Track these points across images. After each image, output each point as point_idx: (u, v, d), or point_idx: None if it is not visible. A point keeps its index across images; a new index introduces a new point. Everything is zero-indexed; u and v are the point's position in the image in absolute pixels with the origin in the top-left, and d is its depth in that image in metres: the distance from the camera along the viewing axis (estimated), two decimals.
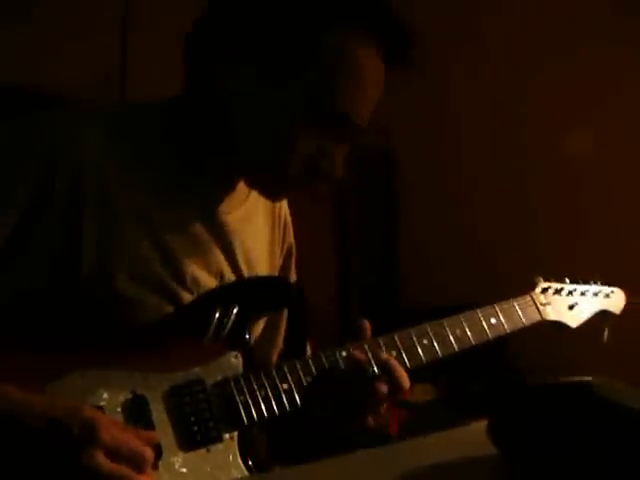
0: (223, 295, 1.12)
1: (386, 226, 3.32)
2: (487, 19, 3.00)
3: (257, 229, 1.23)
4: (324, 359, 1.11)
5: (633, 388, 0.76)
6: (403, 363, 1.14)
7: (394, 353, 1.15)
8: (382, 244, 3.31)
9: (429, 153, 3.18)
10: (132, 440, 0.91)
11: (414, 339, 1.17)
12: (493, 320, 1.26)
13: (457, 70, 3.05)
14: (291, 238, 1.32)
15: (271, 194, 1.15)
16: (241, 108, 1.06)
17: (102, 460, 0.86)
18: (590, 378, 0.77)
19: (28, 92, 2.30)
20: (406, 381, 1.11)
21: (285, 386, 1.07)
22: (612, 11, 2.58)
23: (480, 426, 0.81)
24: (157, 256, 1.06)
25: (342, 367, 1.10)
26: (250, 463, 1.04)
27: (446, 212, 3.12)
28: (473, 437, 0.84)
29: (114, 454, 0.88)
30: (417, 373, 1.20)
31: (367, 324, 1.16)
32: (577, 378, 0.78)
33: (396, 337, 1.16)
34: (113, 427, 0.90)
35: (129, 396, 1.00)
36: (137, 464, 0.90)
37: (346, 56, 1.03)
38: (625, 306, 1.51)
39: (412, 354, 1.16)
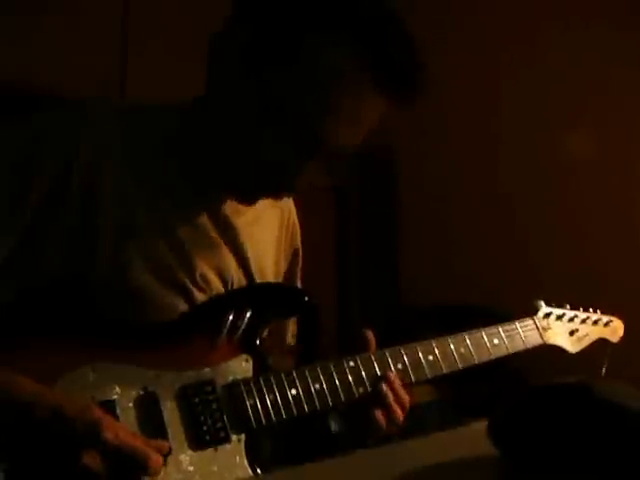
0: (237, 298, 1.14)
1: (387, 226, 3.32)
2: (487, 19, 3.00)
3: (265, 232, 1.24)
4: (332, 368, 1.12)
5: (633, 388, 0.76)
6: (408, 377, 1.18)
7: (400, 366, 1.17)
8: (382, 244, 3.31)
9: (430, 153, 3.18)
10: (137, 444, 0.92)
11: (420, 355, 1.20)
12: (496, 341, 1.30)
13: (458, 70, 3.05)
14: (298, 243, 1.33)
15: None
16: (221, 106, 1.05)
17: (93, 459, 0.88)
18: (590, 378, 0.77)
19: (28, 92, 2.30)
20: (400, 412, 1.15)
21: (293, 392, 1.08)
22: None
23: (480, 426, 0.81)
24: (171, 254, 1.07)
25: (352, 383, 1.13)
26: (255, 465, 1.06)
27: (446, 212, 3.12)
28: (473, 437, 0.83)
29: (114, 455, 0.89)
30: None
31: (371, 334, 1.18)
32: (577, 378, 0.78)
33: (402, 351, 1.19)
34: (120, 430, 0.92)
35: (141, 392, 1.01)
36: (139, 467, 0.91)
37: (322, 67, 0.98)
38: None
39: (417, 369, 1.19)
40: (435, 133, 3.15)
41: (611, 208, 2.69)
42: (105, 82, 2.59)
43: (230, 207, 1.15)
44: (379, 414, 1.14)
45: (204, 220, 1.12)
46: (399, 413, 1.15)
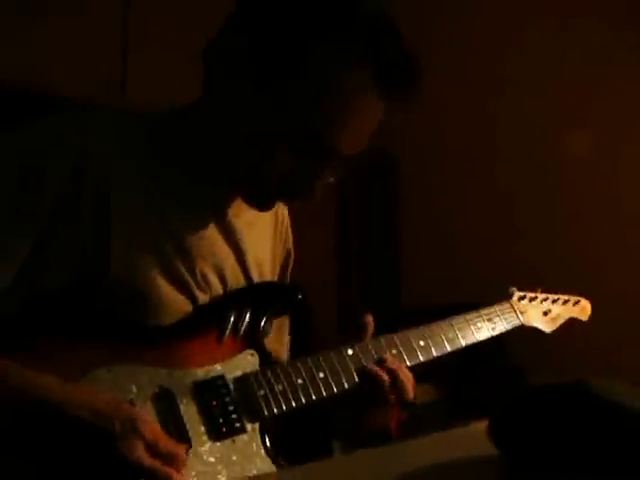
0: (238, 297, 1.18)
1: (387, 226, 3.32)
2: (486, 20, 3.00)
3: (262, 233, 1.27)
4: (332, 356, 1.18)
5: (633, 388, 0.76)
6: (403, 361, 1.23)
7: (394, 351, 1.23)
8: (383, 244, 3.31)
9: (430, 153, 3.18)
10: (169, 438, 0.99)
11: (412, 340, 1.26)
12: (479, 324, 1.37)
13: (458, 69, 3.05)
14: (290, 245, 1.35)
15: (252, 204, 1.15)
16: (229, 114, 1.08)
17: (142, 452, 0.93)
18: (590, 378, 0.77)
19: (28, 92, 2.30)
20: (409, 386, 1.19)
21: (300, 381, 1.14)
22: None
23: (480, 426, 0.81)
24: (178, 257, 1.11)
25: (352, 370, 1.18)
26: (271, 452, 1.11)
27: (447, 212, 3.12)
28: (473, 437, 0.83)
29: (152, 449, 0.94)
30: (417, 373, 1.25)
31: (370, 319, 1.23)
32: (577, 378, 0.78)
33: (395, 337, 1.25)
34: (152, 424, 0.98)
35: (156, 390, 1.05)
36: (172, 460, 0.96)
37: (330, 78, 1.01)
38: None
39: (411, 353, 1.25)
40: (435, 133, 3.15)
41: (612, 210, 2.70)
42: (105, 82, 2.59)
43: (232, 209, 1.18)
44: (389, 395, 1.18)
45: (209, 223, 1.15)
46: (406, 385, 1.19)
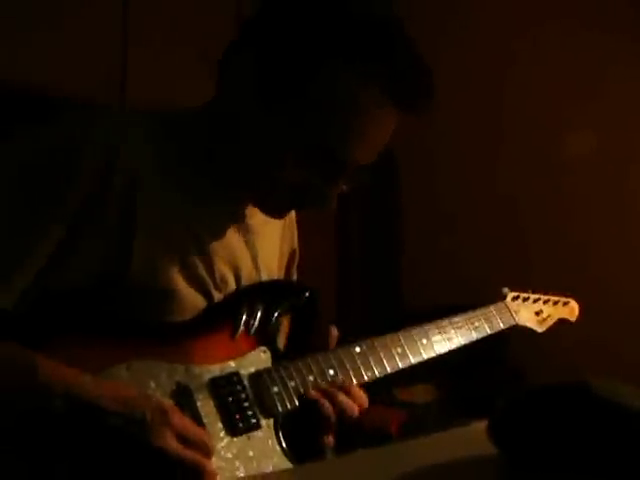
0: (249, 295, 1.20)
1: (387, 226, 3.32)
2: (488, 17, 3.00)
3: (273, 232, 1.29)
4: (341, 354, 1.21)
5: (633, 388, 0.76)
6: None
7: (400, 350, 1.26)
8: (384, 244, 3.31)
9: (430, 154, 3.18)
10: (198, 428, 1.02)
11: (417, 339, 1.30)
12: (477, 323, 1.42)
13: (458, 70, 3.05)
14: (296, 244, 1.37)
15: (266, 212, 1.17)
16: (241, 126, 1.10)
17: (174, 442, 0.96)
18: (589, 378, 0.77)
19: (28, 92, 2.30)
20: (354, 408, 1.18)
21: (311, 378, 1.17)
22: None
23: (480, 426, 0.81)
24: (198, 258, 1.13)
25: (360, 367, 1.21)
26: (286, 448, 1.12)
27: (447, 212, 3.12)
28: (473, 437, 0.83)
29: (182, 438, 0.97)
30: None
31: (335, 331, 1.25)
32: (576, 378, 0.78)
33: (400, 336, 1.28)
34: (182, 414, 1.00)
35: (174, 387, 1.06)
36: (202, 449, 0.99)
37: (339, 92, 1.03)
38: None
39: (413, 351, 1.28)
40: (437, 134, 3.14)
41: (615, 211, 2.70)
42: (105, 82, 2.59)
43: (248, 210, 1.20)
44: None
45: (228, 224, 1.18)
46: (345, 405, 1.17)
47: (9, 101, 2.25)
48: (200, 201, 1.13)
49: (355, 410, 1.17)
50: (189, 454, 0.97)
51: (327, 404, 1.15)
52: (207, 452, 1.00)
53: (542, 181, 2.85)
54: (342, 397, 1.16)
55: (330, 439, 1.19)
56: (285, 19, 1.06)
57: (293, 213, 1.34)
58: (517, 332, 1.49)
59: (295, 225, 1.36)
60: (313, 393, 1.16)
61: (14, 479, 0.94)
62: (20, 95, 2.29)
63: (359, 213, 3.25)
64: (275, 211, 1.16)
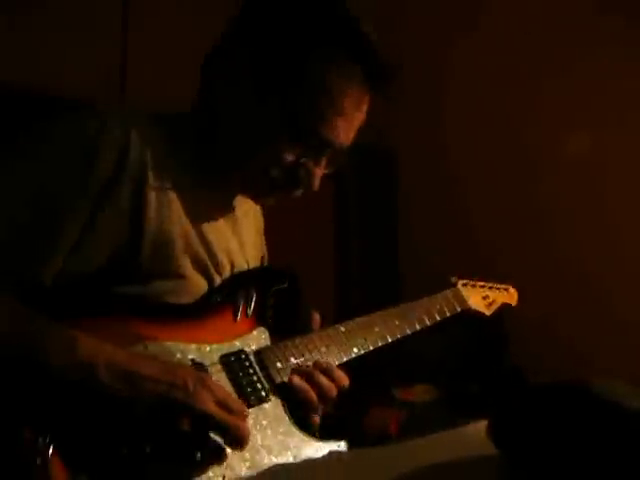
0: (244, 280, 1.30)
1: (386, 224, 3.32)
2: (487, 17, 3.00)
3: (252, 223, 1.41)
4: (330, 332, 1.33)
5: (633, 388, 0.76)
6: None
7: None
8: (382, 242, 3.31)
9: (429, 151, 3.18)
10: (235, 396, 1.13)
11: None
12: (438, 306, 1.56)
13: (458, 67, 3.06)
14: (265, 252, 1.47)
15: (256, 197, 1.31)
16: (234, 118, 1.21)
17: (215, 407, 1.05)
18: (590, 378, 0.77)
19: (28, 92, 2.30)
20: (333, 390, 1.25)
21: (307, 355, 1.27)
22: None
23: (480, 426, 0.81)
24: (200, 242, 1.22)
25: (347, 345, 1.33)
26: (292, 417, 1.21)
27: (446, 211, 3.12)
28: (473, 437, 0.84)
29: (222, 405, 1.06)
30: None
31: (317, 316, 1.34)
32: (577, 378, 0.78)
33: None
34: (219, 384, 1.10)
35: (189, 363, 1.14)
36: (240, 416, 1.08)
37: (325, 80, 1.17)
38: None
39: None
40: (435, 131, 3.15)
41: (614, 216, 2.70)
42: (105, 82, 2.59)
43: (233, 200, 1.32)
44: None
45: (219, 213, 1.29)
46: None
47: (9, 101, 2.25)
48: (196, 197, 1.21)
49: (333, 391, 1.24)
50: (232, 418, 1.06)
51: (306, 386, 1.22)
52: (244, 418, 1.09)
53: (544, 178, 2.85)
54: (321, 378, 1.23)
55: (316, 418, 1.26)
56: (271, 19, 1.19)
57: (262, 223, 1.45)
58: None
59: (263, 235, 1.47)
60: (293, 377, 1.23)
61: (65, 448, 0.97)
62: (20, 95, 2.29)
63: (357, 211, 3.26)
64: (263, 194, 1.27)
